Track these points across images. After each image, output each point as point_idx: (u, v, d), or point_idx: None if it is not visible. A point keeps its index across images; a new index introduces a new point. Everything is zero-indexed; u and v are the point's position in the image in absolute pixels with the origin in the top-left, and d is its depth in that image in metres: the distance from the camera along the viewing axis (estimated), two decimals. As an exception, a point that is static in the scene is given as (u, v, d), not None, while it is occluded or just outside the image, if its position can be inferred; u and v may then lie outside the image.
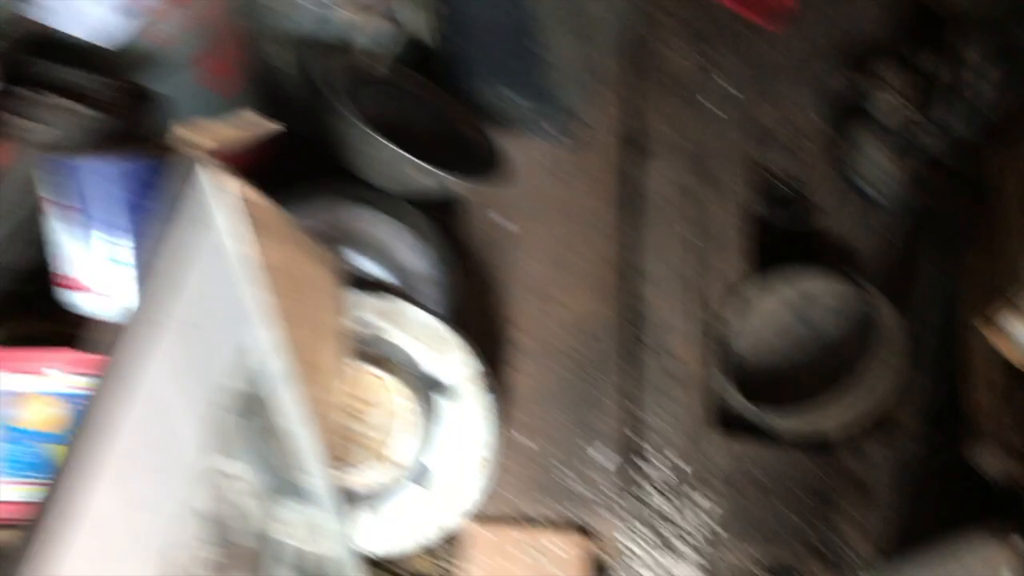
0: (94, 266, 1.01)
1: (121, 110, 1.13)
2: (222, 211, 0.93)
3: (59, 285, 1.03)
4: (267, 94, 1.49)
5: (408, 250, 1.43)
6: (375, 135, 1.34)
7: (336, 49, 1.47)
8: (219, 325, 0.98)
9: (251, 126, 1.10)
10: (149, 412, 0.80)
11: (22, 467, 0.98)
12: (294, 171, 1.36)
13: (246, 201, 0.99)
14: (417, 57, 1.58)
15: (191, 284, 0.88)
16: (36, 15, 1.17)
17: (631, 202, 1.54)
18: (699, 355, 1.47)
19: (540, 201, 1.53)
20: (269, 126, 1.13)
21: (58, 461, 0.73)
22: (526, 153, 1.54)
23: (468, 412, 1.30)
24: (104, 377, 0.76)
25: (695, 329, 1.48)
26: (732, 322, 1.49)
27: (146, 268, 0.82)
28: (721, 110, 1.63)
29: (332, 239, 1.35)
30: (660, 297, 1.48)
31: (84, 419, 0.74)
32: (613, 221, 1.52)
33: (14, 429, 0.97)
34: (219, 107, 1.39)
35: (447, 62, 1.58)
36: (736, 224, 1.54)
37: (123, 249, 1.01)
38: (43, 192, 1.00)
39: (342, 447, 1.21)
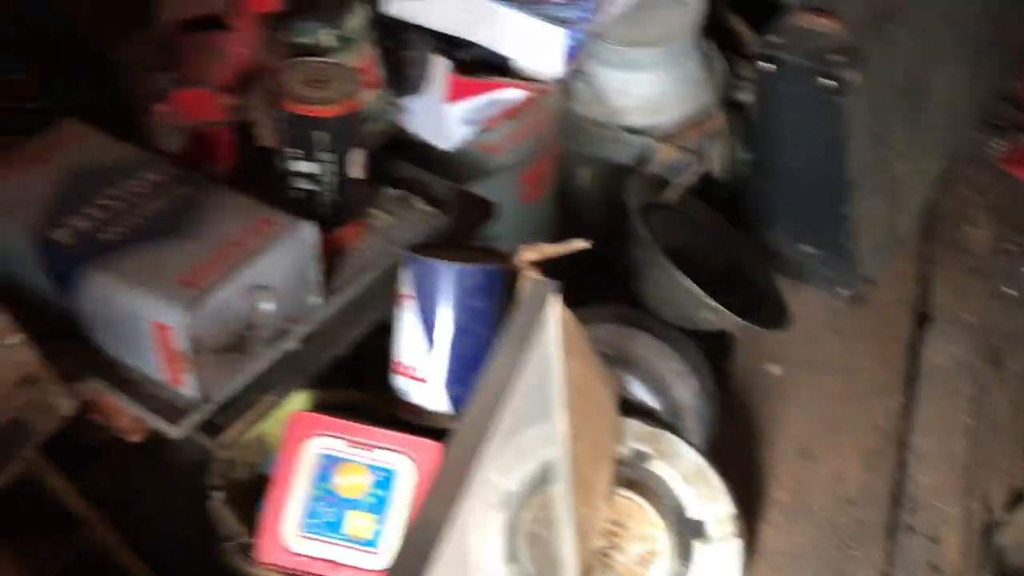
0: (428, 357, 1.08)
1: (458, 211, 1.22)
2: (551, 327, 0.98)
3: (394, 371, 1.11)
4: (564, 208, 1.57)
5: (676, 379, 1.43)
6: (671, 266, 1.38)
7: (640, 176, 1.53)
8: (520, 430, 1.02)
9: (570, 246, 1.17)
10: (468, 513, 0.84)
11: (319, 527, 1.05)
12: (578, 287, 1.42)
13: (563, 318, 1.04)
14: (707, 191, 1.61)
15: (518, 393, 0.92)
16: (399, 118, 1.31)
17: (909, 371, 1.49)
18: (965, 550, 1.37)
19: (814, 354, 1.51)
20: (582, 246, 1.19)
21: (395, 552, 0.76)
22: (806, 301, 1.53)
23: (719, 556, 1.27)
24: (445, 472, 0.81)
25: (965, 522, 1.39)
26: (1008, 524, 1.39)
27: (490, 375, 0.88)
28: (1016, 292, 1.56)
29: (609, 360, 1.38)
30: (932, 480, 1.41)
31: (423, 512, 0.78)
32: (891, 388, 1.47)
33: (326, 490, 1.04)
34: (523, 214, 1.48)
35: (741, 201, 1.60)
36: (1023, 417, 1.45)
37: (451, 344, 1.09)
38: (397, 283, 1.10)
39: (595, 569, 1.22)
